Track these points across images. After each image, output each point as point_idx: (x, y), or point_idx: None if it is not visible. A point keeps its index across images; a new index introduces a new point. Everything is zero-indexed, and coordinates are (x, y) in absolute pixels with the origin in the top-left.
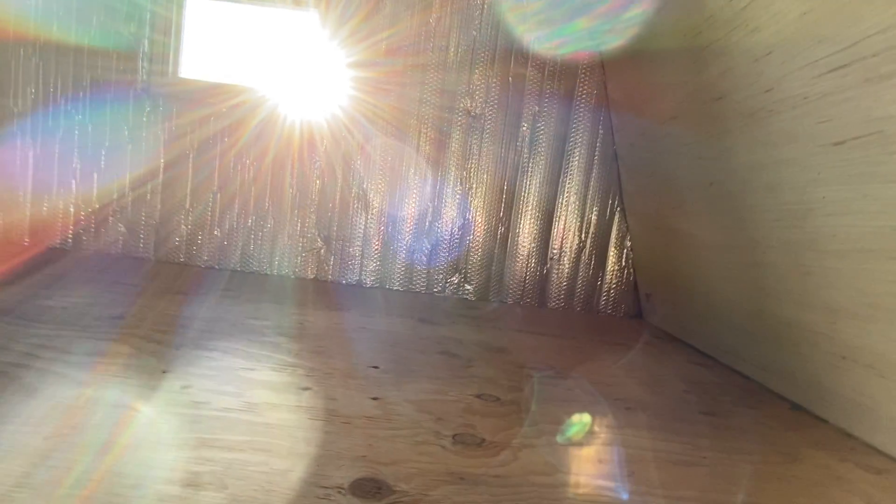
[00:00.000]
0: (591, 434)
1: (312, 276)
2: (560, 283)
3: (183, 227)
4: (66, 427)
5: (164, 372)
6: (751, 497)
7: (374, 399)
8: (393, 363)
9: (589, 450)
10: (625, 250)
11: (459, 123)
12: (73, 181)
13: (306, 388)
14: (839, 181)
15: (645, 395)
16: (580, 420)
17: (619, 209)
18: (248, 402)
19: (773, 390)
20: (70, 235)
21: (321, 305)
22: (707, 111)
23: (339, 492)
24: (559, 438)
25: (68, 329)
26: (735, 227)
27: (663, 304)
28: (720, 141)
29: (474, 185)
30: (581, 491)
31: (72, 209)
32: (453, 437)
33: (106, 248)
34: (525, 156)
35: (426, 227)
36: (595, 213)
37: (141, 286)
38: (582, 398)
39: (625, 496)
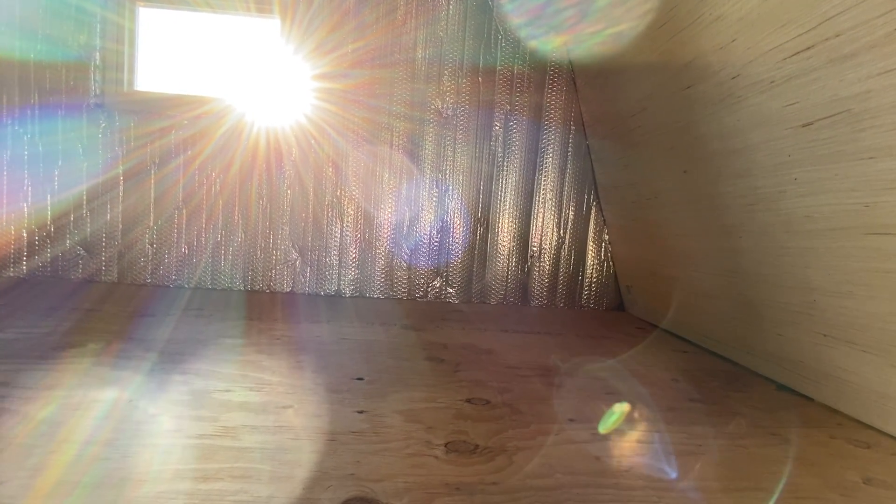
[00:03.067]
0: (587, 430)
1: (288, 290)
2: (542, 280)
3: (147, 245)
4: (24, 469)
5: (130, 401)
6: (749, 481)
7: (360, 412)
8: (378, 373)
9: (585, 447)
10: (603, 244)
11: (431, 125)
12: (25, 204)
13: (287, 407)
14: (810, 162)
15: (635, 386)
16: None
17: (595, 203)
18: (224, 426)
19: (758, 373)
20: (24, 262)
21: (299, 319)
22: (676, 101)
23: None
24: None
25: (22, 361)
26: (710, 213)
27: (644, 295)
28: (691, 129)
29: (451, 187)
30: (580, 490)
31: (24, 233)
32: (445, 445)
33: (65, 273)
34: (499, 155)
35: (404, 233)
36: (572, 208)
37: (103, 310)
38: (572, 395)
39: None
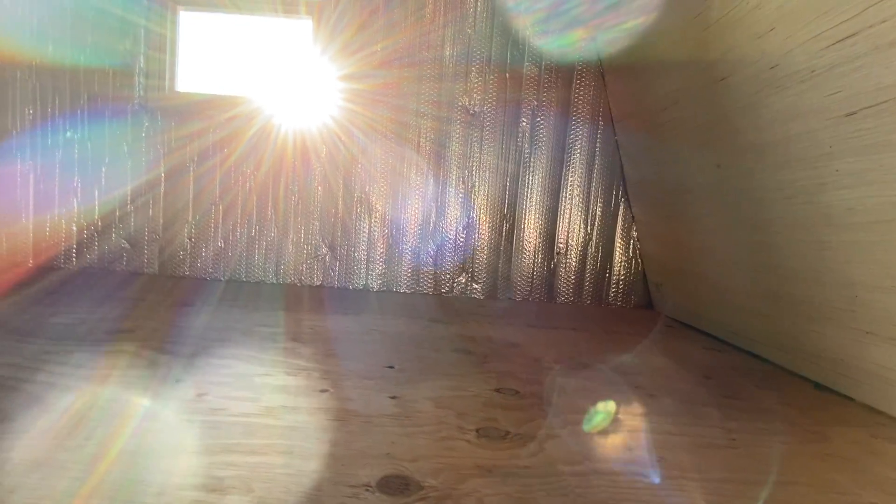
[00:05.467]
0: (615, 422)
1: (318, 283)
2: (568, 277)
3: (186, 239)
4: (84, 439)
5: (177, 381)
6: (786, 476)
7: (393, 398)
8: (408, 362)
9: (616, 437)
10: (631, 241)
11: (458, 122)
12: (75, 199)
13: (323, 391)
14: (853, 153)
15: (666, 382)
16: (604, 408)
17: (623, 200)
18: (266, 406)
19: (794, 372)
20: (74, 253)
21: (330, 310)
22: (710, 93)
23: (367, 490)
24: (585, 427)
25: (79, 344)
26: (744, 208)
27: (674, 292)
28: (725, 122)
29: (476, 184)
30: (611, 478)
31: (74, 227)
32: (476, 430)
33: (110, 264)
34: (526, 151)
35: (430, 229)
36: (600, 205)
37: (148, 299)
38: (602, 388)
39: (656, 480)
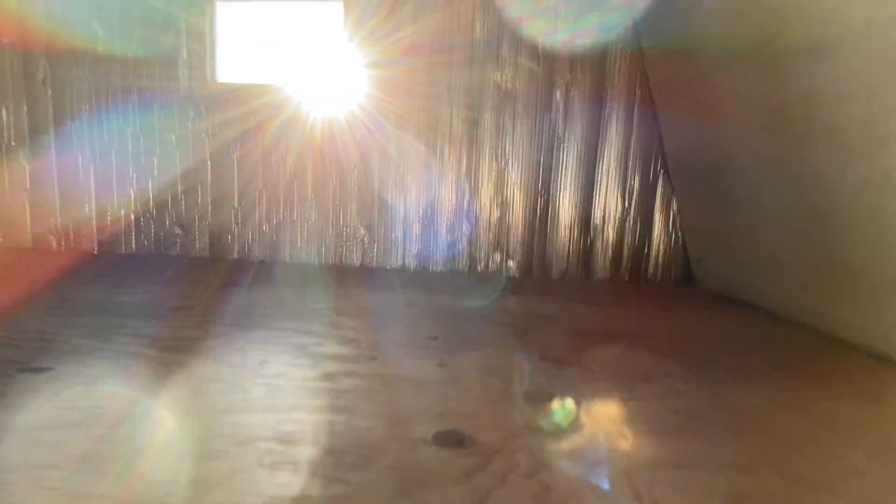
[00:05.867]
0: (663, 389)
1: (358, 264)
2: (605, 253)
3: (233, 224)
4: (170, 399)
5: (241, 350)
6: (851, 437)
7: (440, 365)
8: (451, 334)
9: (665, 401)
10: (671, 214)
11: (491, 99)
12: (131, 188)
13: (373, 359)
14: None
15: (712, 353)
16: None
17: (662, 172)
18: (323, 372)
19: (849, 342)
20: (133, 239)
21: (372, 288)
22: (759, 50)
23: (424, 443)
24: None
25: (147, 319)
26: (796, 172)
27: (717, 266)
28: (775, 80)
29: (510, 160)
30: (660, 438)
31: (133, 215)
32: (524, 395)
33: (166, 249)
34: (560, 126)
35: (465, 207)
36: (637, 178)
37: (203, 281)
38: (646, 358)
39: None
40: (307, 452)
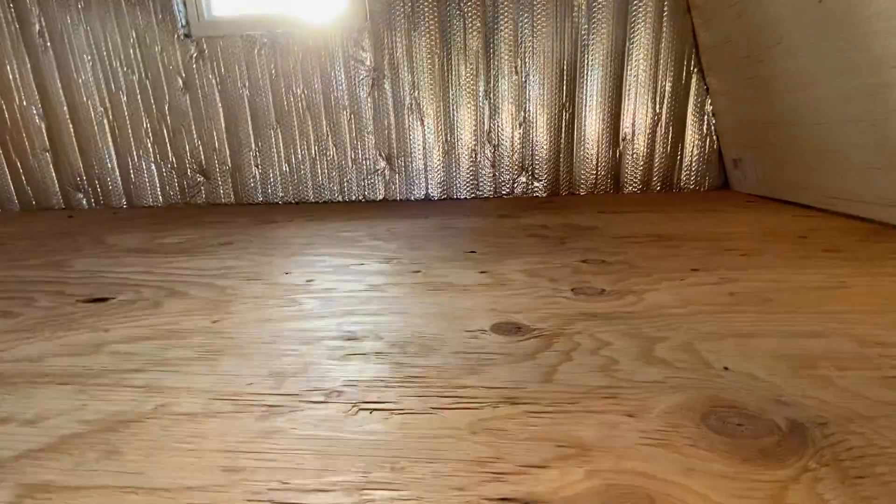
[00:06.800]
0: (713, 276)
1: (381, 198)
2: (635, 164)
3: (254, 167)
4: (228, 313)
5: (287, 273)
6: None
7: (483, 272)
8: (488, 248)
9: (716, 287)
10: (706, 117)
11: (506, 6)
12: (148, 141)
13: (416, 272)
14: None
15: (758, 244)
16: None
17: (696, 71)
18: (369, 285)
19: None
20: (159, 192)
21: (400, 217)
22: None
23: (483, 332)
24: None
25: (191, 255)
26: (852, 47)
27: (756, 166)
28: None
29: (531, 73)
30: (719, 316)
31: (153, 168)
32: (572, 290)
33: (192, 199)
34: (584, 29)
35: (485, 129)
36: (669, 80)
37: (235, 222)
38: (692, 253)
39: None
40: (372, 346)
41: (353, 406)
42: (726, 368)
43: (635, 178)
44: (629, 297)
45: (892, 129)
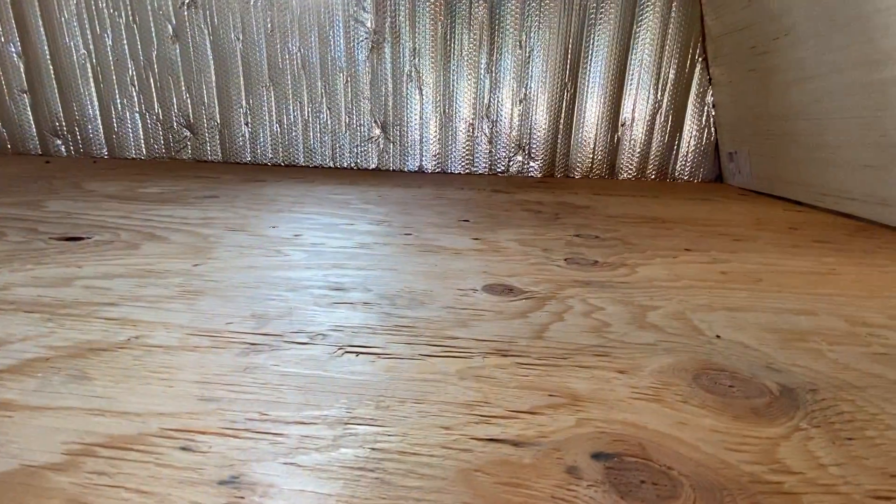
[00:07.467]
0: (705, 256)
1: (374, 167)
2: (632, 150)
3: (244, 125)
4: (211, 257)
5: (273, 227)
6: (890, 291)
7: (476, 239)
8: (482, 218)
9: (708, 266)
10: (706, 108)
11: None
12: (134, 91)
13: (407, 234)
14: None
15: (750, 231)
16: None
17: (700, 59)
18: (359, 242)
19: (893, 227)
20: (142, 144)
21: (393, 184)
22: None
23: (475, 291)
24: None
25: (174, 205)
26: (861, 40)
27: (751, 160)
28: None
29: (534, 50)
30: (711, 290)
31: (139, 119)
32: (565, 260)
33: (177, 154)
34: (591, 9)
35: (485, 104)
36: (673, 67)
37: (221, 178)
38: (685, 235)
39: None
40: (360, 296)
41: (339, 349)
42: (718, 337)
43: (631, 165)
44: (622, 269)
45: (883, 127)
